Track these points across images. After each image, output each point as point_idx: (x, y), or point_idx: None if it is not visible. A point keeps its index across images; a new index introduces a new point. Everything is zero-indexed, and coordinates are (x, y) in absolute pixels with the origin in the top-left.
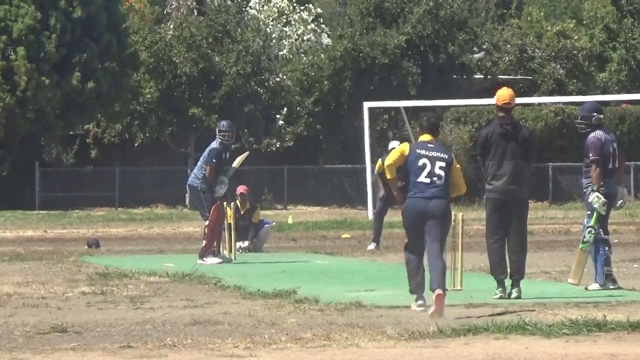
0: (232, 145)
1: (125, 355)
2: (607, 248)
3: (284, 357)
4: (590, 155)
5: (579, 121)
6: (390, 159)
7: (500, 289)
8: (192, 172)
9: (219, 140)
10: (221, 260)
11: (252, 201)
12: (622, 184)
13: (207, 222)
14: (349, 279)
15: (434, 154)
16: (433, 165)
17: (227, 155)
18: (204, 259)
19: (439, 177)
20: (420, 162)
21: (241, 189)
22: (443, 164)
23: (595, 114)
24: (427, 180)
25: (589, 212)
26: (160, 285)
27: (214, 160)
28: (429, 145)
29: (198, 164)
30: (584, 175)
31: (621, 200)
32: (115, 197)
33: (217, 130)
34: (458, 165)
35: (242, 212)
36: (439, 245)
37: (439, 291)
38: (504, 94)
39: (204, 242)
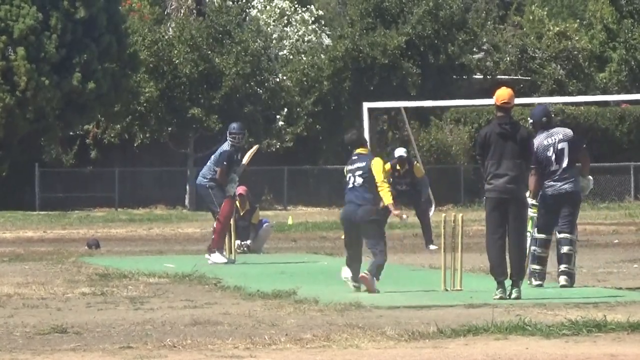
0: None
1: (125, 356)
2: (534, 248)
3: (283, 357)
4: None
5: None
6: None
7: (500, 289)
8: (200, 173)
9: (230, 142)
10: (226, 260)
11: (251, 202)
12: (586, 176)
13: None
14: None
15: (354, 166)
16: (354, 177)
17: (238, 156)
18: (210, 254)
19: (359, 184)
20: (348, 177)
21: (240, 189)
22: (360, 172)
23: (530, 119)
24: (351, 187)
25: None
26: (160, 286)
27: (224, 163)
28: (353, 158)
29: (207, 164)
30: None
31: (587, 189)
32: (115, 198)
33: (227, 132)
34: (377, 168)
35: (241, 213)
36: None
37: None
38: (503, 93)
39: (213, 236)
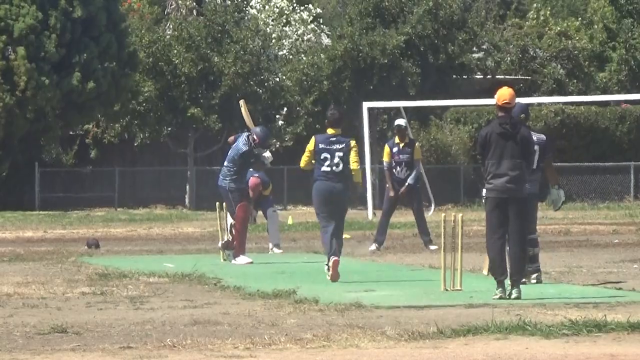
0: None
1: (125, 355)
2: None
3: (283, 357)
4: None
5: None
6: (303, 160)
7: (500, 289)
8: (220, 172)
9: (251, 143)
10: (251, 260)
11: (265, 180)
12: (555, 185)
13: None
14: (348, 280)
15: (333, 146)
16: (332, 157)
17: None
18: (235, 258)
19: (337, 165)
20: (323, 155)
21: (253, 182)
22: (341, 154)
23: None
24: (328, 169)
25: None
26: (159, 286)
27: (252, 161)
28: (331, 139)
29: (225, 163)
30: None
31: (558, 202)
32: (114, 198)
33: (253, 135)
34: (355, 149)
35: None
36: (340, 225)
37: (334, 258)
38: (504, 93)
39: (235, 243)
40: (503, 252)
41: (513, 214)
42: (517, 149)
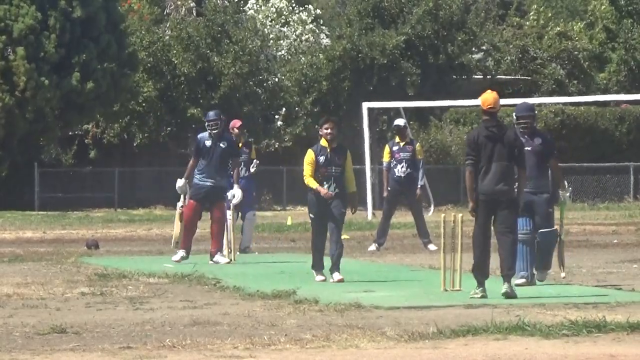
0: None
1: (124, 356)
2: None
3: (283, 358)
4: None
5: (523, 121)
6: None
7: (480, 288)
8: None
9: (208, 131)
10: (180, 259)
11: (246, 137)
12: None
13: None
14: (348, 280)
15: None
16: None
17: (222, 144)
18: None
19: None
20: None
21: (236, 123)
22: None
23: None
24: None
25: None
26: (159, 286)
27: (194, 149)
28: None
29: None
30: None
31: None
32: (114, 198)
33: (206, 121)
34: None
35: (239, 145)
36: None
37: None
38: (488, 98)
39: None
40: (488, 253)
41: (502, 215)
42: (504, 152)
